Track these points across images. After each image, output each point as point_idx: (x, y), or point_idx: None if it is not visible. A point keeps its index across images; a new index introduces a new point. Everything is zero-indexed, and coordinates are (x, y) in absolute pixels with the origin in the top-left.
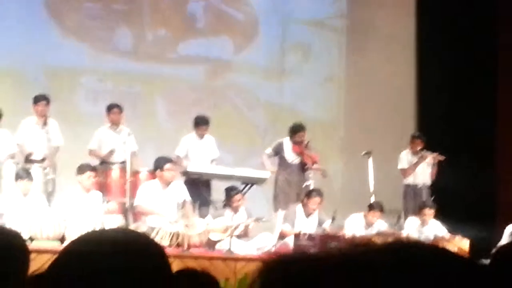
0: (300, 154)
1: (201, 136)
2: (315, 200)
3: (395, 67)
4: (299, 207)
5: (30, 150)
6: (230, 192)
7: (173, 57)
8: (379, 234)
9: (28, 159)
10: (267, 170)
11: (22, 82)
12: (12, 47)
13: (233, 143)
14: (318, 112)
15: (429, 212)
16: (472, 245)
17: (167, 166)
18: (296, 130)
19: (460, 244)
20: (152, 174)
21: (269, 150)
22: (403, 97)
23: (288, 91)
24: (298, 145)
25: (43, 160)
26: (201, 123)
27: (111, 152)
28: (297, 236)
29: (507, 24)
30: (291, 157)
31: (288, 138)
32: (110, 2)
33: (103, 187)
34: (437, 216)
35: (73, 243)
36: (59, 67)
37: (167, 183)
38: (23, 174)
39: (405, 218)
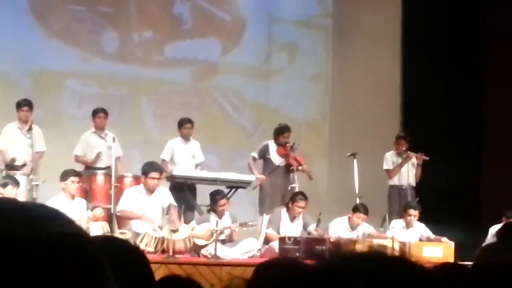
0: (285, 156)
1: (187, 140)
2: (300, 203)
3: (381, 67)
4: (284, 211)
5: (13, 156)
6: (215, 197)
7: (159, 59)
8: (364, 236)
9: (10, 166)
10: (256, 176)
11: (7, 85)
12: None
13: (220, 144)
14: (304, 113)
15: (414, 213)
16: (456, 247)
17: (153, 174)
18: (281, 131)
19: (446, 246)
20: (137, 179)
21: (255, 154)
22: (389, 97)
23: (274, 92)
24: (283, 146)
25: (24, 166)
26: (184, 122)
27: (98, 157)
28: (282, 240)
29: (495, 22)
30: (276, 159)
31: (273, 140)
32: (96, 4)
33: (87, 194)
34: (422, 217)
35: None
36: (44, 70)
37: (152, 190)
38: (10, 181)
39: (390, 219)
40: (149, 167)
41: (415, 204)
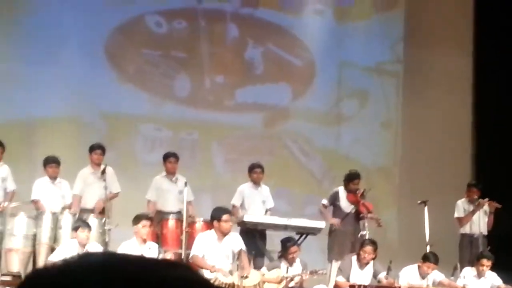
0: (355, 203)
1: (257, 185)
2: (368, 248)
3: (452, 113)
4: (354, 258)
5: (87, 200)
6: (286, 244)
7: (230, 104)
8: (434, 284)
9: (84, 209)
10: (330, 222)
11: (81, 129)
12: (72, 94)
13: (290, 190)
14: (374, 159)
15: (487, 263)
16: None
17: (225, 217)
18: (351, 178)
19: None
20: (208, 224)
21: (325, 201)
22: (460, 143)
23: (344, 138)
24: (353, 193)
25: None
26: (254, 167)
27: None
28: (352, 287)
29: None
30: (346, 206)
31: (343, 187)
32: (169, 49)
33: (159, 238)
34: (493, 266)
35: None
36: (117, 113)
37: (224, 234)
38: (82, 224)
39: (461, 268)
40: (220, 212)
41: (489, 254)
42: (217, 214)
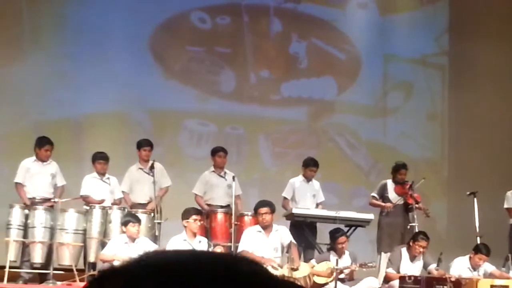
0: (403, 194)
1: (308, 179)
2: (421, 243)
3: (499, 103)
4: (404, 250)
5: (137, 195)
6: (334, 235)
7: (276, 99)
8: (485, 276)
9: (134, 204)
10: (382, 206)
11: (128, 125)
12: (119, 91)
13: (336, 183)
14: (422, 151)
15: None
16: None
17: (260, 210)
18: (397, 169)
19: None
20: (256, 218)
21: (375, 193)
22: (508, 133)
23: (390, 130)
24: (401, 185)
25: (148, 204)
26: (311, 164)
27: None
28: (402, 279)
29: None
30: (394, 198)
31: (391, 179)
32: (214, 45)
33: (208, 232)
34: None
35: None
36: (163, 109)
37: (266, 227)
38: (132, 219)
39: None
40: (258, 205)
41: None
42: (255, 208)
